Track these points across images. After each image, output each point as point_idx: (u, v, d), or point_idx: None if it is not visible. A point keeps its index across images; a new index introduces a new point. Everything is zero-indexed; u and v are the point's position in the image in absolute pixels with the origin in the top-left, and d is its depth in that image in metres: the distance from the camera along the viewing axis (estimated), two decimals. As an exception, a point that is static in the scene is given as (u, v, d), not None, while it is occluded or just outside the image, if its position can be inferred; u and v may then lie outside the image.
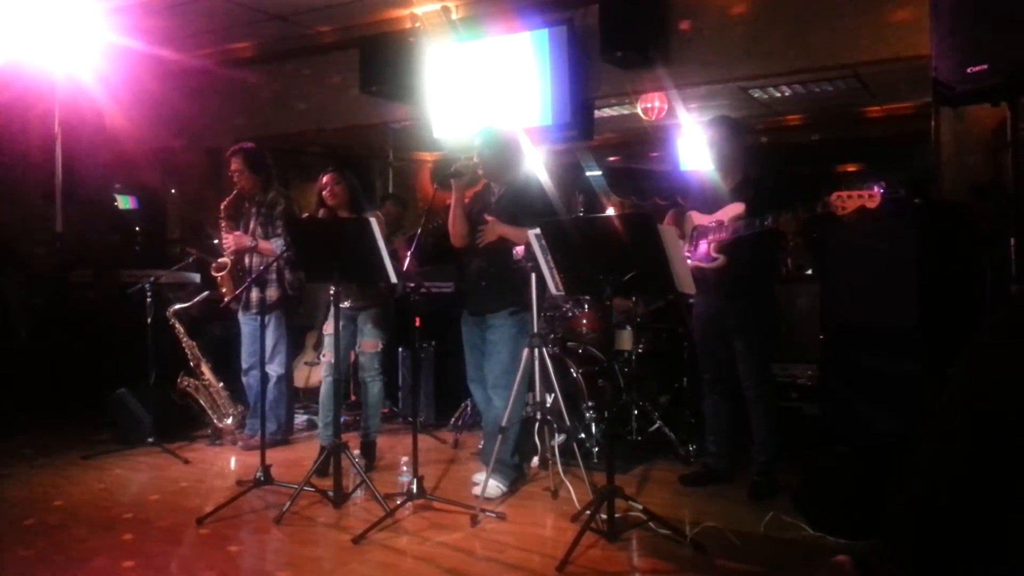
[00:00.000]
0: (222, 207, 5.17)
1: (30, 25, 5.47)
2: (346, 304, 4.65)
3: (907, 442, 2.42)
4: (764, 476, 4.08)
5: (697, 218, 4.17)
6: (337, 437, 4.13)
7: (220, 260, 5.22)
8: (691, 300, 4.36)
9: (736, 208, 4.00)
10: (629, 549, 3.43)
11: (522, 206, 4.11)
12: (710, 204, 4.14)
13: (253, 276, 4.97)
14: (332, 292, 4.60)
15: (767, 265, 4.20)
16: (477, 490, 4.09)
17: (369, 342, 4.71)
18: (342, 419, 4.63)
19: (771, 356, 4.28)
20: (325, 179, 4.70)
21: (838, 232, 4.16)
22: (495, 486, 4.11)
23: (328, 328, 4.66)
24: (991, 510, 1.50)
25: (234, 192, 5.13)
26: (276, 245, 4.98)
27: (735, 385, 4.14)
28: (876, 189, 3.49)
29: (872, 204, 3.48)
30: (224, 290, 5.19)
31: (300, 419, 5.89)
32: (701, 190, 4.28)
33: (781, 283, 6.05)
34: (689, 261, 4.07)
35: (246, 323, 5.19)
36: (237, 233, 5.11)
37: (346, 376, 5.52)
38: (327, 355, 4.66)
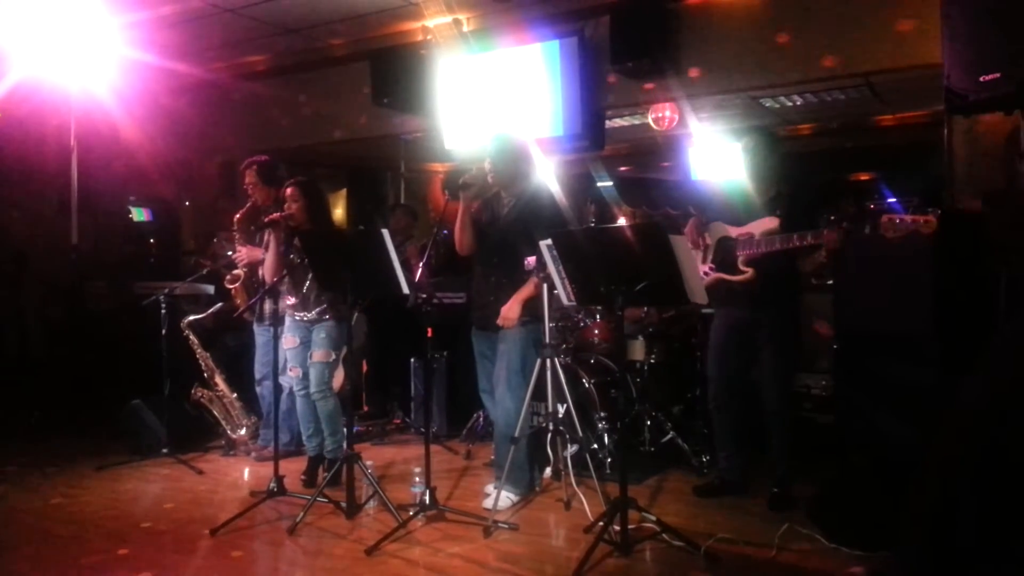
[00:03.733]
0: (235, 220, 5.21)
1: (46, 40, 5.53)
2: (299, 316, 4.61)
3: (922, 451, 2.40)
4: (782, 487, 4.06)
5: (725, 229, 4.11)
6: (349, 448, 4.13)
7: (234, 272, 5.25)
8: (704, 311, 4.34)
9: (770, 223, 3.94)
10: (643, 561, 3.41)
11: (533, 217, 4.11)
12: (739, 216, 4.07)
13: (266, 288, 4.98)
14: (288, 304, 4.63)
15: (795, 277, 4.14)
16: (488, 502, 4.09)
17: (319, 352, 4.50)
18: (354, 429, 4.63)
19: (795, 369, 4.23)
20: (287, 192, 4.56)
21: (850, 241, 4.13)
22: (506, 497, 4.11)
23: (288, 342, 4.66)
24: (1007, 517, 1.49)
25: (248, 205, 5.16)
26: None
27: (744, 394, 4.12)
28: (932, 216, 3.27)
29: (927, 231, 3.28)
30: (239, 301, 5.22)
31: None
32: (728, 201, 4.20)
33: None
34: (714, 274, 4.05)
35: (261, 334, 5.21)
36: (249, 246, 5.14)
37: (355, 385, 5.52)
38: (294, 370, 4.65)
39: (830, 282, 6.06)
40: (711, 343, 4.32)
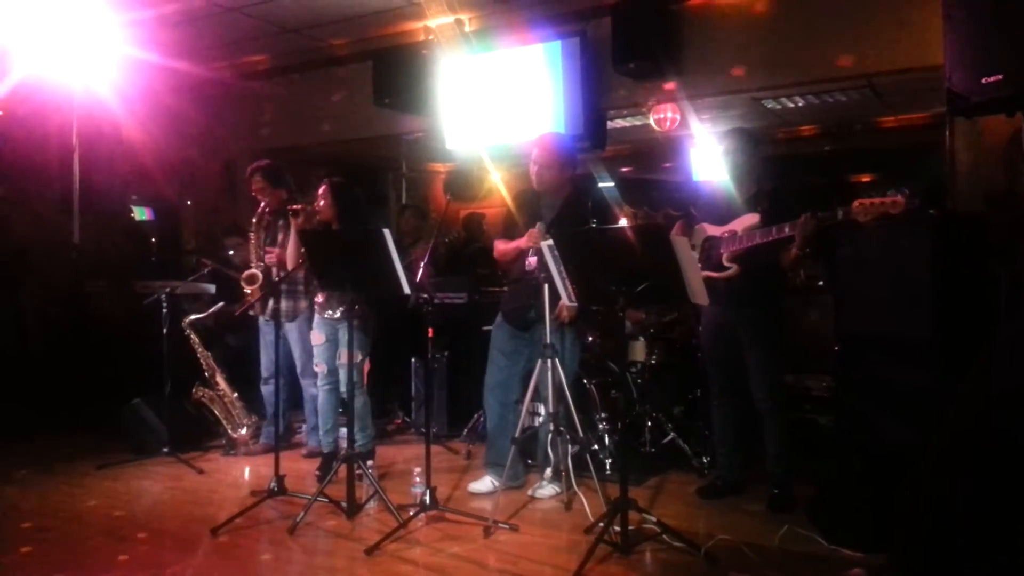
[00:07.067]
0: (254, 221, 5.11)
1: (48, 39, 5.53)
2: (327, 315, 4.64)
3: (921, 452, 2.40)
4: (782, 489, 4.06)
5: (709, 230, 4.16)
6: (349, 448, 4.13)
7: (250, 272, 5.10)
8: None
9: (751, 219, 3.98)
10: (643, 562, 3.41)
11: (578, 221, 4.10)
12: (723, 215, 4.12)
13: (276, 285, 4.90)
14: (317, 302, 4.65)
15: (778, 275, 4.18)
16: (541, 492, 4.29)
17: (345, 354, 4.48)
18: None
19: (783, 366, 4.26)
20: (319, 190, 4.67)
21: (851, 242, 4.14)
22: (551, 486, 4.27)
23: (315, 339, 4.69)
24: (1002, 521, 1.49)
25: (261, 208, 5.08)
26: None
27: (743, 394, 4.13)
28: (899, 196, 3.42)
29: (895, 211, 3.41)
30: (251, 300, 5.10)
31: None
32: (712, 202, 4.26)
33: (794, 295, 6.03)
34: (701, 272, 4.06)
35: (267, 332, 5.18)
36: (278, 251, 5.03)
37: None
38: (319, 365, 4.69)
39: (820, 283, 6.09)
40: (702, 344, 4.37)
